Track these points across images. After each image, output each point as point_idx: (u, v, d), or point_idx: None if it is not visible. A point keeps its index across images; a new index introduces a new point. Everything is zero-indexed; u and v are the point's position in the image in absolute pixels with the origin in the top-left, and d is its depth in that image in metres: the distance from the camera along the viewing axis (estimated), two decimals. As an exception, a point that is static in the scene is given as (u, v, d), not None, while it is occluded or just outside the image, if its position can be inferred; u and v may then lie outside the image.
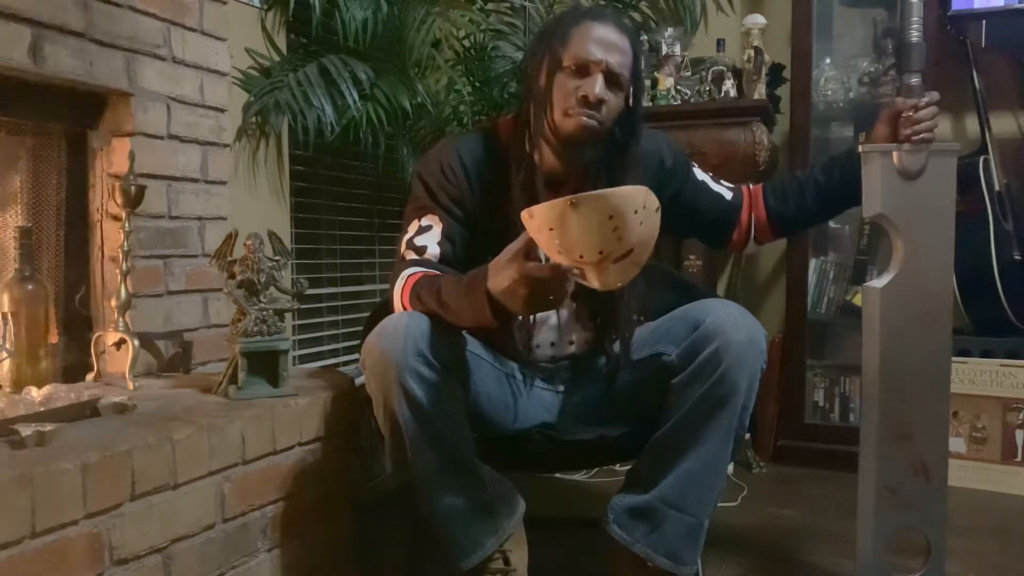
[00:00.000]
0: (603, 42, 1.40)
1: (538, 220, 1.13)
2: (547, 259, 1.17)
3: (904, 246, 1.49)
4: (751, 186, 1.64)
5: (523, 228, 1.17)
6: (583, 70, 1.39)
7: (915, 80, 1.50)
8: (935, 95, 1.48)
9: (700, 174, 1.61)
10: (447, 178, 1.47)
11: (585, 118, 1.39)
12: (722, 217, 1.61)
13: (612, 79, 1.40)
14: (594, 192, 1.10)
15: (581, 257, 1.12)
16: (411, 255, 1.44)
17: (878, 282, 1.51)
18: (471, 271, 1.27)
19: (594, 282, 1.16)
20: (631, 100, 1.45)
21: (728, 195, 1.61)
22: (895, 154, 1.47)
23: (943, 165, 1.48)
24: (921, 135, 1.46)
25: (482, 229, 1.47)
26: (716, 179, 1.63)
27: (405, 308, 1.36)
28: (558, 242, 1.12)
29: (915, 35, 1.50)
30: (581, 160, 1.46)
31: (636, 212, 1.11)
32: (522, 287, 1.15)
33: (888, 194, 1.48)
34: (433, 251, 1.44)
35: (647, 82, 2.53)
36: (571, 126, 1.40)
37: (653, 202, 1.14)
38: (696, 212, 1.60)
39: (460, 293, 1.26)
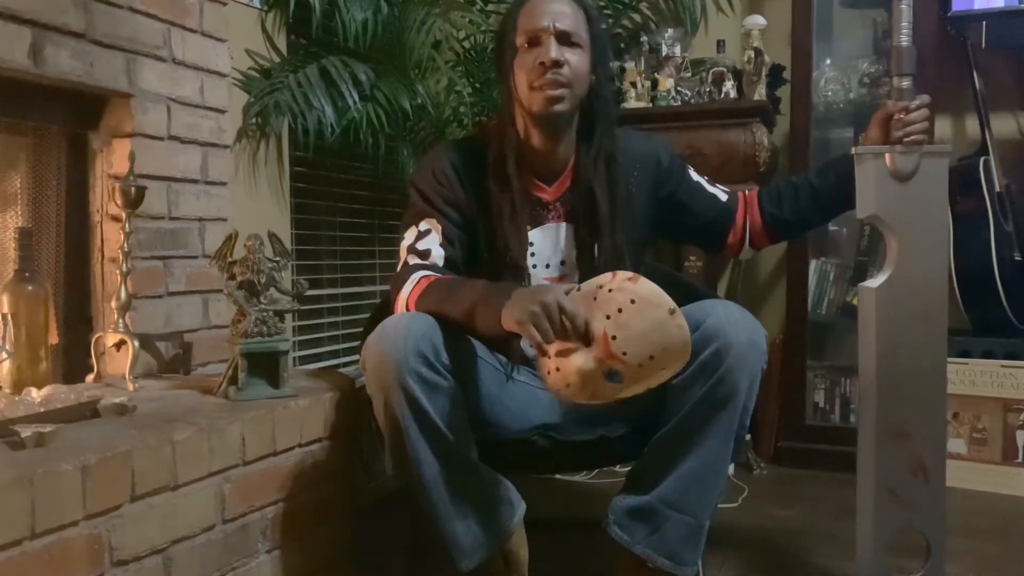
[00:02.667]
0: (547, 10, 1.43)
1: (633, 288, 1.18)
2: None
3: (898, 246, 1.50)
4: (747, 191, 1.65)
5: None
6: (535, 41, 1.42)
7: (906, 83, 1.51)
8: (926, 98, 1.50)
9: (695, 176, 1.62)
10: (440, 183, 1.50)
11: (550, 87, 1.41)
12: (717, 219, 1.62)
13: (565, 39, 1.42)
14: (687, 336, 1.20)
15: (613, 338, 1.16)
16: (414, 259, 1.46)
17: (873, 282, 1.52)
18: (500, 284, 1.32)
19: (569, 374, 1.20)
20: (596, 67, 1.46)
21: (723, 197, 1.62)
22: (887, 156, 1.48)
23: (935, 166, 1.49)
24: (913, 137, 1.48)
25: (477, 231, 1.49)
26: (712, 183, 1.64)
27: (410, 310, 1.37)
28: (618, 309, 1.17)
29: (905, 39, 1.51)
30: (563, 139, 1.48)
31: (673, 373, 1.23)
32: (539, 298, 1.18)
33: (881, 195, 1.49)
34: (437, 253, 1.46)
35: (647, 82, 2.53)
36: (540, 98, 1.42)
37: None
38: (691, 213, 1.60)
39: (479, 293, 1.29)
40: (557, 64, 1.40)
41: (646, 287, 1.20)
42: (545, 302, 1.18)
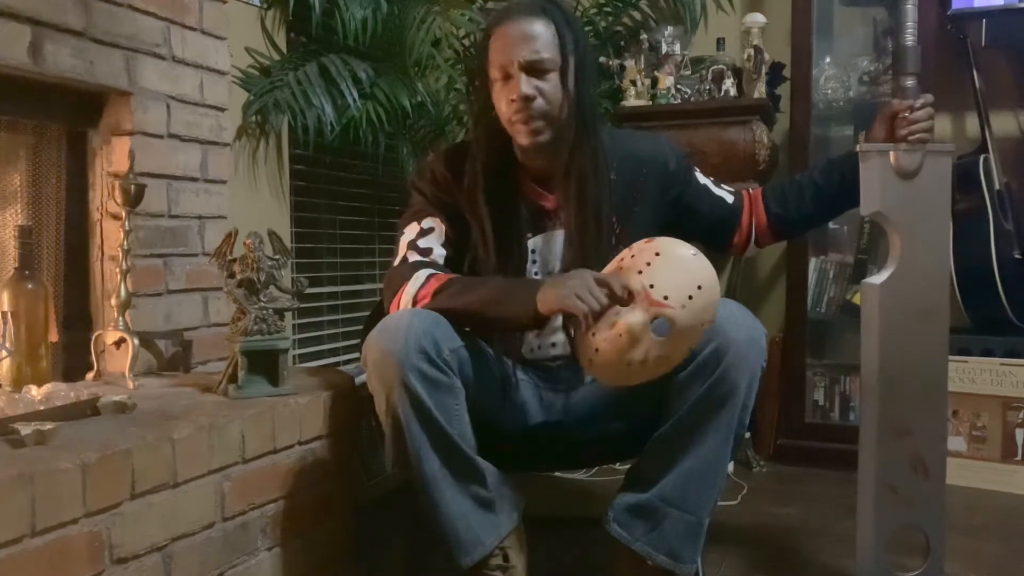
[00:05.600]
0: (513, 39, 1.42)
1: (652, 245, 1.27)
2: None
3: (901, 243, 1.51)
4: (751, 190, 1.65)
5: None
6: (506, 75, 1.42)
7: (910, 82, 1.53)
8: (929, 97, 1.51)
9: (702, 178, 1.62)
10: (440, 185, 1.51)
11: (523, 123, 1.41)
12: (723, 221, 1.62)
13: (534, 69, 1.41)
14: (712, 271, 1.26)
15: (652, 287, 1.23)
16: (415, 256, 1.46)
17: (876, 278, 1.53)
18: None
19: (618, 337, 1.24)
20: (572, 76, 1.43)
21: (729, 199, 1.62)
22: (892, 154, 1.50)
23: (939, 164, 1.51)
24: (917, 135, 1.49)
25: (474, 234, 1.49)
26: (717, 183, 1.64)
27: (418, 306, 1.37)
28: (647, 263, 1.25)
29: (910, 38, 1.53)
30: (558, 151, 1.47)
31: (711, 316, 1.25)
32: (575, 276, 1.26)
33: (885, 192, 1.50)
34: (439, 252, 1.47)
35: (647, 80, 2.53)
36: (521, 133, 1.43)
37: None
38: (698, 216, 1.60)
39: (506, 283, 1.35)
40: (529, 99, 1.40)
41: (663, 240, 1.30)
42: (581, 277, 1.27)
